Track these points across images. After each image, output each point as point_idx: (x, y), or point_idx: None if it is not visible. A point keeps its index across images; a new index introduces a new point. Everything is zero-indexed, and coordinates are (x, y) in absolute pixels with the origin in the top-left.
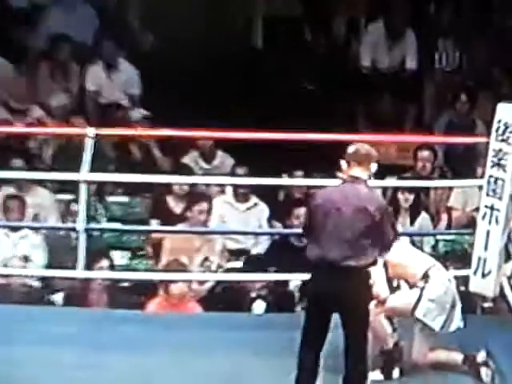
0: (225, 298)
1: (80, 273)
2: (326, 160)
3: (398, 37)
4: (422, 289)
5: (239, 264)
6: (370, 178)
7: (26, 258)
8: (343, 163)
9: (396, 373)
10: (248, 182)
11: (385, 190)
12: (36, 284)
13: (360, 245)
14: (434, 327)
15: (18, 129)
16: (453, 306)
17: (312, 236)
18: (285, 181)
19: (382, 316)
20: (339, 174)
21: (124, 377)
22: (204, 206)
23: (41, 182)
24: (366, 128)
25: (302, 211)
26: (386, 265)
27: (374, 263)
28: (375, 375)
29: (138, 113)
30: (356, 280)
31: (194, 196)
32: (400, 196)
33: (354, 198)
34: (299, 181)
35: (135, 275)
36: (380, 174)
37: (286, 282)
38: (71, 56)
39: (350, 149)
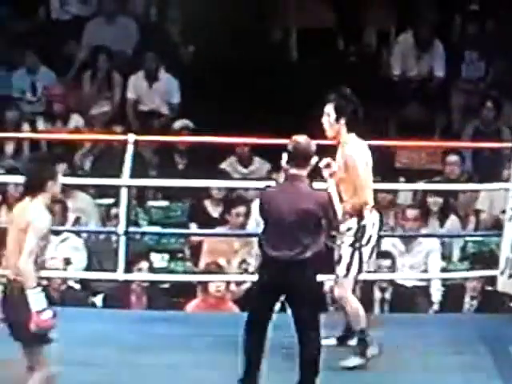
0: None
1: (120, 275)
2: None
3: (427, 47)
4: None
5: None
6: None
7: (66, 261)
8: (284, 157)
9: (370, 352)
10: None
11: (415, 193)
12: (76, 286)
13: (301, 241)
14: None
15: (61, 135)
16: None
17: (264, 230)
18: (318, 185)
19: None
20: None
21: (162, 376)
22: (242, 209)
23: (82, 187)
24: (397, 134)
25: None
26: None
27: (316, 254)
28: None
29: (180, 123)
30: (301, 271)
31: (233, 200)
32: (429, 199)
33: (294, 197)
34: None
35: (174, 277)
36: (410, 179)
37: (320, 284)
38: (113, 66)
39: (290, 146)
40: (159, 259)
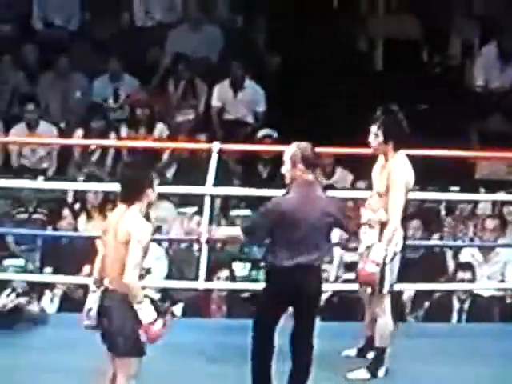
0: (340, 308)
1: (201, 284)
2: (439, 174)
3: (510, 58)
4: None
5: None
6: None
7: (147, 270)
8: (287, 163)
9: (382, 372)
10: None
11: (494, 204)
12: (156, 296)
13: (324, 246)
14: None
15: (146, 143)
16: None
17: (277, 241)
18: None
19: (390, 313)
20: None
21: None
22: None
23: (164, 196)
24: (478, 145)
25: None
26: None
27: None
28: (361, 374)
29: (264, 132)
30: (318, 277)
31: None
32: (505, 209)
33: (315, 202)
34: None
35: (255, 286)
36: (491, 189)
37: (399, 293)
38: (196, 74)
39: (302, 152)
40: (241, 268)
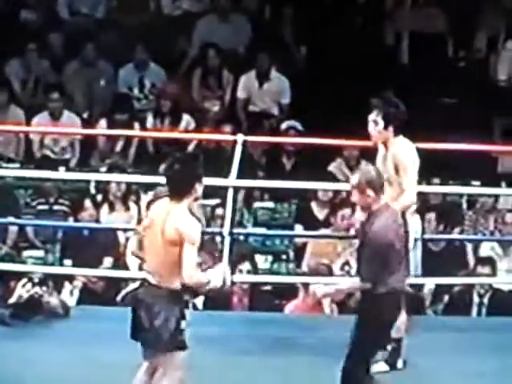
0: None
1: None
2: (461, 168)
3: None
4: None
5: None
6: None
7: None
8: (356, 191)
9: (400, 363)
10: None
11: None
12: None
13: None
14: None
15: (169, 134)
16: None
17: (388, 265)
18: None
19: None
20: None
21: (262, 378)
22: (347, 211)
23: None
24: (501, 139)
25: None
26: None
27: None
28: (380, 367)
29: (288, 123)
30: None
31: (338, 202)
32: None
33: (399, 223)
34: (436, 188)
35: (277, 278)
36: None
37: (420, 286)
38: (224, 64)
39: (378, 177)
40: (262, 261)
